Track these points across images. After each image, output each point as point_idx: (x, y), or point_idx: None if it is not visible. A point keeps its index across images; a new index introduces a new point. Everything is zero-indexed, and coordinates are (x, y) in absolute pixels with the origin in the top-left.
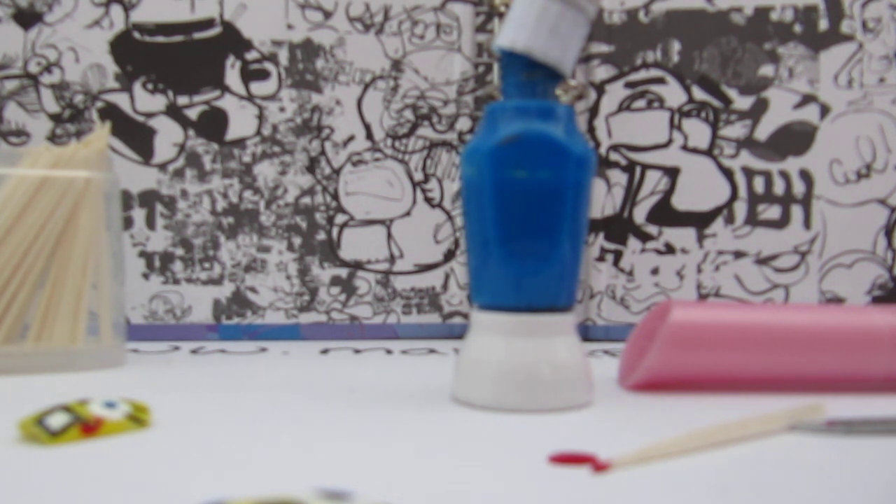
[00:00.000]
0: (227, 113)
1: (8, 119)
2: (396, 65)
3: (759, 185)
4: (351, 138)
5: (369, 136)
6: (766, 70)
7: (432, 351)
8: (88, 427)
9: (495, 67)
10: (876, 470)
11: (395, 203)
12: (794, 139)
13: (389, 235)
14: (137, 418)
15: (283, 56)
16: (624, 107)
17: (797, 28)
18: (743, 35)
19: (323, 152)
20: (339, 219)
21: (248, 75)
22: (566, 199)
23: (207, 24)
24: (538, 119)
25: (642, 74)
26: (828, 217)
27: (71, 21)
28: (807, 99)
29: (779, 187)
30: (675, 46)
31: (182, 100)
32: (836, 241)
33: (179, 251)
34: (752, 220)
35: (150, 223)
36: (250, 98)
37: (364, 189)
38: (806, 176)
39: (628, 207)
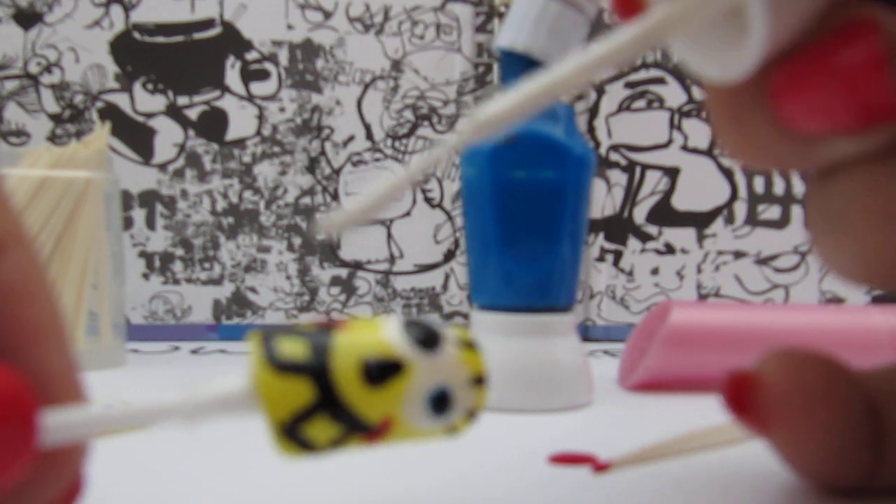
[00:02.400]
0: (227, 113)
1: (8, 119)
2: (396, 65)
3: (759, 185)
4: (351, 138)
5: (369, 136)
6: None
7: None
8: None
9: (495, 67)
10: None
11: (395, 203)
12: None
13: (389, 235)
14: None
15: (283, 56)
16: (624, 107)
17: None
18: None
19: (323, 152)
20: None
21: (248, 75)
22: (566, 199)
23: (207, 24)
24: (538, 119)
25: (642, 74)
26: None
27: (71, 21)
28: None
29: (779, 187)
30: None
31: (182, 100)
32: None
33: (179, 251)
34: (752, 220)
35: (150, 223)
36: (250, 98)
37: (364, 189)
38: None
39: (628, 207)
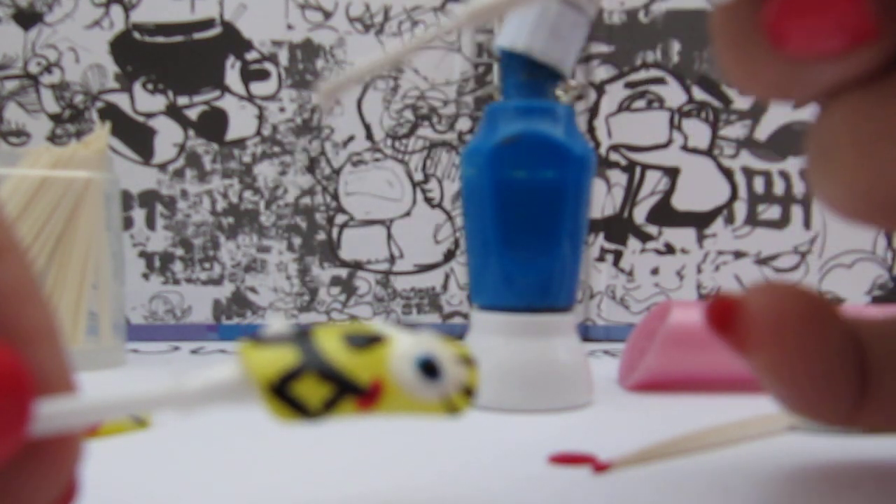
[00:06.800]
0: (227, 113)
1: (8, 119)
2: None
3: (759, 185)
4: (351, 138)
5: (369, 136)
6: None
7: None
8: (88, 427)
9: (495, 67)
10: (876, 469)
11: (395, 203)
12: (795, 139)
13: (389, 235)
14: (137, 418)
15: (283, 56)
16: (624, 107)
17: None
18: None
19: (323, 152)
20: (339, 219)
21: (248, 75)
22: (566, 200)
23: (207, 24)
24: (538, 119)
25: (642, 74)
26: (828, 217)
27: (71, 21)
28: None
29: (779, 187)
30: (675, 46)
31: (182, 100)
32: (836, 241)
33: (179, 251)
34: (752, 220)
35: (150, 223)
36: (250, 98)
37: (364, 189)
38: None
39: (628, 207)
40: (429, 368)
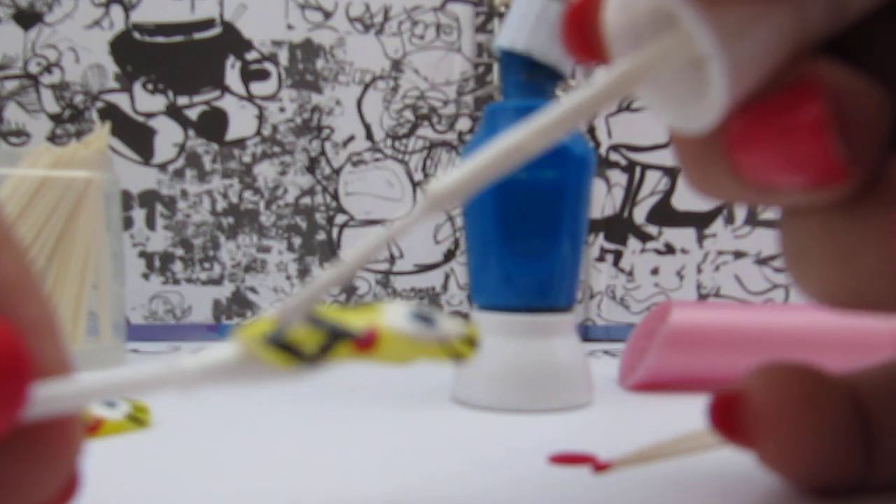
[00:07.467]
0: (227, 113)
1: (8, 119)
2: (396, 65)
3: None
4: (351, 138)
5: (369, 136)
6: None
7: None
8: (88, 427)
9: (495, 67)
10: None
11: (395, 203)
12: None
13: None
14: (137, 418)
15: (283, 56)
16: (624, 107)
17: None
18: None
19: (323, 152)
20: (339, 219)
21: (248, 75)
22: (566, 199)
23: (207, 24)
24: None
25: None
26: None
27: (71, 21)
28: None
29: None
30: None
31: (182, 100)
32: None
33: (179, 251)
34: (752, 220)
35: (150, 223)
36: (250, 98)
37: (364, 189)
38: None
39: (628, 207)
40: (423, 317)
